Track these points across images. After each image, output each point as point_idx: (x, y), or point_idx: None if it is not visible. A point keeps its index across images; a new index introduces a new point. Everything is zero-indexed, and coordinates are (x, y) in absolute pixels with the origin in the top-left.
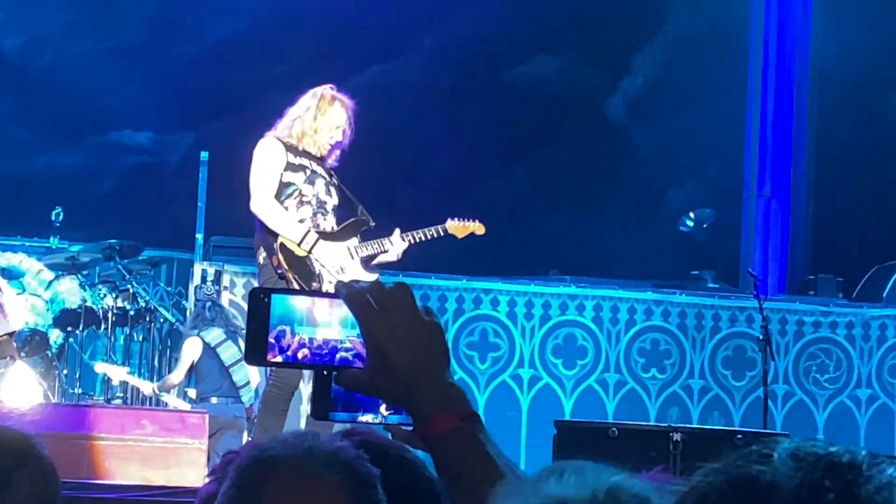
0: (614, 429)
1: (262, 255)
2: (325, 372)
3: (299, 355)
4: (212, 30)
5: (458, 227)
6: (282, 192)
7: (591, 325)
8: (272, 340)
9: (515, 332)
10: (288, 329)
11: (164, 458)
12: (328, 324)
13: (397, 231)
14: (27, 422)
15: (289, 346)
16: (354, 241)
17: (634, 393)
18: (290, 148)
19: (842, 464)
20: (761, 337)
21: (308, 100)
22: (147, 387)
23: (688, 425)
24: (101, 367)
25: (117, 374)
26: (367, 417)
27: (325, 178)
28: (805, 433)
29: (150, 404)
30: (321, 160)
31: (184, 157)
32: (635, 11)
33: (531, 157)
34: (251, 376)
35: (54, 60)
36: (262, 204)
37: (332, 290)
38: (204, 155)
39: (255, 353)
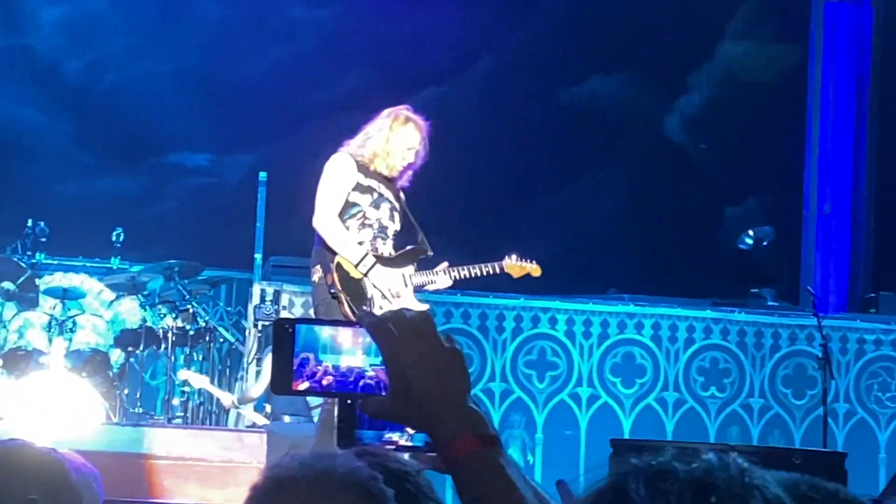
0: (672, 448)
1: (317, 274)
2: (349, 401)
3: (324, 382)
4: (269, 51)
5: (515, 267)
6: (346, 211)
7: (649, 343)
8: (297, 368)
9: (574, 350)
10: (312, 356)
11: (223, 478)
12: (352, 352)
13: (444, 265)
14: (89, 440)
15: (314, 374)
16: (410, 268)
17: (694, 412)
18: (362, 167)
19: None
20: (821, 355)
21: (382, 120)
22: (227, 398)
23: (747, 444)
24: (184, 374)
25: (199, 381)
26: (394, 436)
27: (391, 202)
28: (866, 452)
29: (212, 423)
30: (391, 181)
31: (243, 177)
32: (691, 30)
33: (588, 176)
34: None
35: (115, 83)
36: (325, 220)
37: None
38: (262, 175)
39: (281, 381)
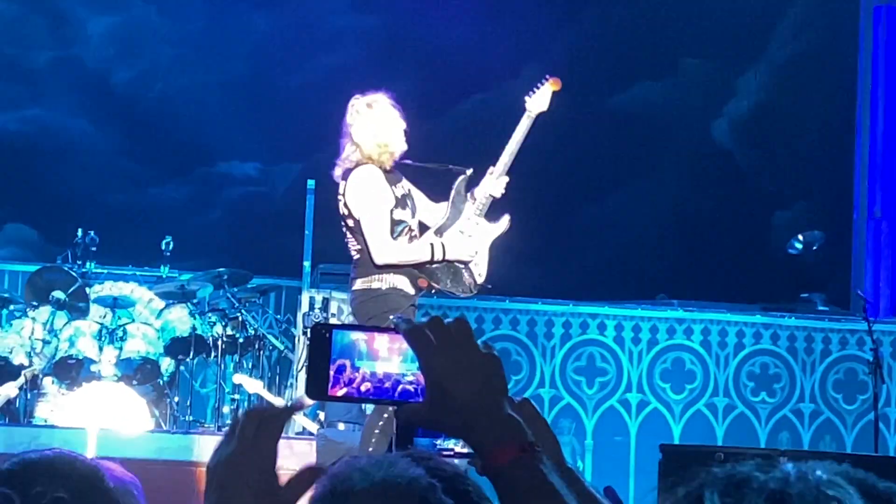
0: (721, 453)
1: (381, 284)
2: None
3: (362, 388)
4: (317, 60)
5: (537, 100)
6: (393, 230)
7: (699, 348)
8: (333, 374)
9: (623, 356)
10: (348, 363)
11: None
12: (388, 358)
13: (490, 170)
14: (139, 447)
15: (351, 381)
16: (469, 207)
17: (744, 417)
18: (386, 176)
19: None
20: (872, 360)
21: (356, 117)
22: (280, 403)
23: (798, 450)
24: (238, 378)
25: (253, 386)
26: (449, 443)
27: (412, 195)
28: None
29: None
30: (399, 170)
31: (291, 186)
32: (738, 34)
33: (636, 182)
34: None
35: (163, 93)
36: (387, 256)
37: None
38: (310, 183)
39: (316, 387)
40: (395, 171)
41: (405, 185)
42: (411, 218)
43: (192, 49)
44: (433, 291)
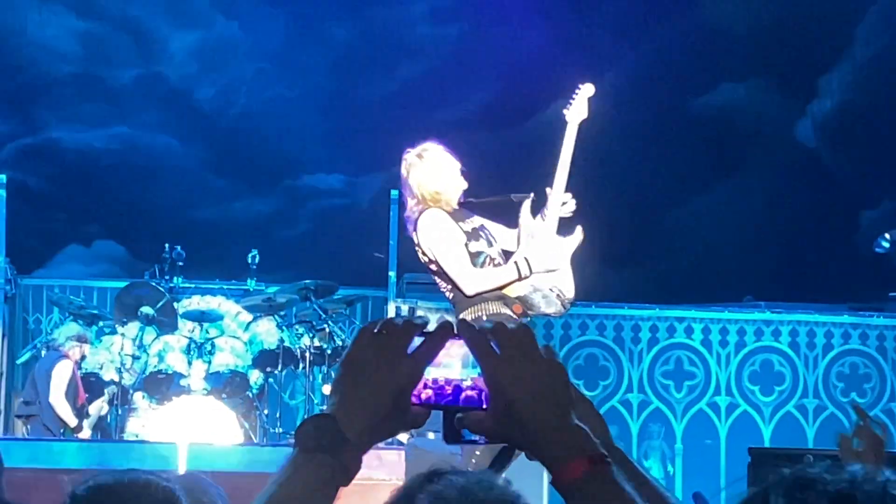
0: (810, 455)
1: (485, 313)
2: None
3: (423, 396)
4: (397, 71)
5: (576, 108)
6: (473, 262)
7: (787, 350)
8: None
9: (711, 359)
10: None
11: (363, 496)
12: (449, 364)
13: (548, 190)
14: (230, 460)
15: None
16: (541, 226)
17: (834, 418)
18: (452, 215)
19: None
20: None
21: (410, 169)
22: None
23: (891, 451)
24: (327, 389)
25: None
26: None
27: (486, 228)
28: None
29: None
30: (466, 208)
31: (374, 196)
32: (821, 34)
33: (721, 185)
34: None
35: (247, 108)
36: (476, 284)
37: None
38: (394, 193)
39: None
40: (461, 210)
41: (475, 220)
42: (489, 248)
43: (273, 63)
44: (528, 318)
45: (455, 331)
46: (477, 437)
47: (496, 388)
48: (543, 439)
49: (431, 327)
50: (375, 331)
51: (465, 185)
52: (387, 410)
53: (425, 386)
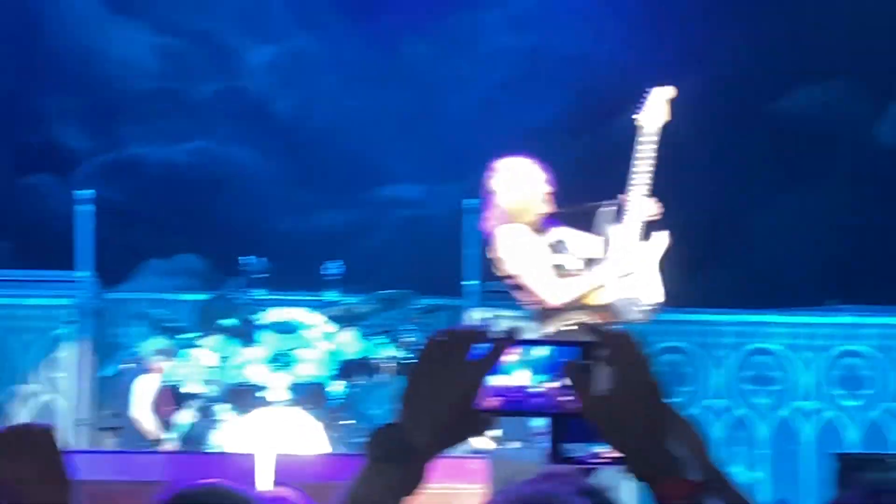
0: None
1: (570, 325)
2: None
3: (489, 403)
4: (475, 80)
5: (648, 113)
6: (555, 274)
7: (873, 353)
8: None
9: (795, 364)
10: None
11: None
12: (510, 369)
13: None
14: (314, 471)
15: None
16: (623, 231)
17: None
18: (531, 228)
19: None
20: None
21: (499, 183)
22: None
23: None
24: None
25: None
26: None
27: (566, 243)
28: None
29: None
30: (549, 219)
31: (454, 206)
32: None
33: (802, 186)
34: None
35: (326, 120)
36: (561, 294)
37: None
38: (471, 203)
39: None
40: (542, 222)
41: (554, 234)
42: (570, 260)
43: (351, 75)
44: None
45: (516, 338)
46: (585, 456)
47: (588, 404)
48: (637, 455)
49: (495, 335)
50: (438, 339)
51: (549, 199)
52: (451, 419)
53: (491, 393)
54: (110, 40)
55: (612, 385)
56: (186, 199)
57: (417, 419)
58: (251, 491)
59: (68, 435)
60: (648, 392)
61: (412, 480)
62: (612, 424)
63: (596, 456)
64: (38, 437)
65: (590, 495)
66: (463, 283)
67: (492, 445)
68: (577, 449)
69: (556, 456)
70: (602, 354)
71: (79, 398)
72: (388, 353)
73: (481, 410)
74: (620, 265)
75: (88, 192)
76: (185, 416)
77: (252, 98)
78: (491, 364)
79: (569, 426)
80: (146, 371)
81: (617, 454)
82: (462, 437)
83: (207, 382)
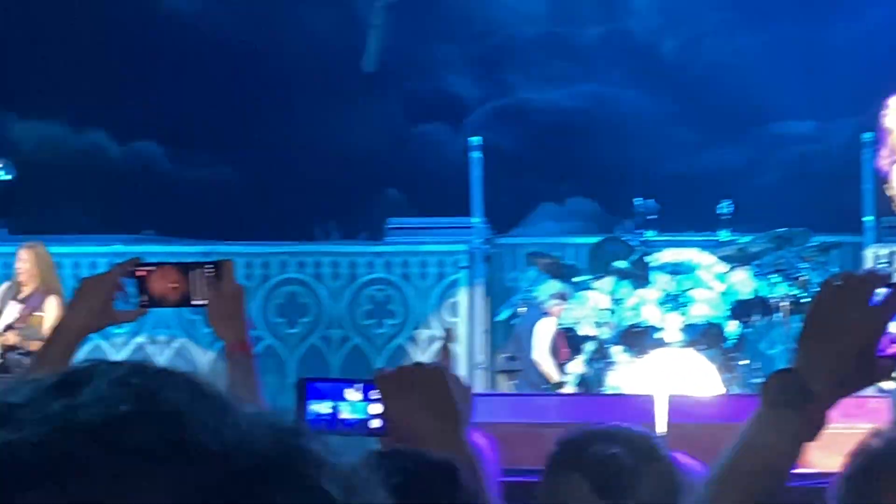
0: None
1: None
2: None
3: (891, 350)
4: (866, 14)
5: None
6: None
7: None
8: None
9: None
10: None
11: (844, 445)
12: None
13: None
14: (710, 412)
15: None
16: None
17: None
18: None
19: None
20: None
21: (890, 119)
22: None
23: None
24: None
25: None
26: None
27: None
28: None
29: None
30: None
31: (847, 141)
32: None
33: None
34: None
35: (712, 58)
36: None
37: None
38: (867, 136)
39: None
40: None
41: None
42: None
43: (736, 12)
44: None
45: None
46: None
47: None
48: None
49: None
50: (837, 284)
51: None
52: (852, 365)
53: (893, 340)
54: None
55: None
56: (575, 143)
57: (816, 365)
58: (653, 434)
59: (464, 378)
60: None
61: (812, 426)
62: None
63: None
64: (429, 376)
65: None
66: (863, 219)
67: (893, 385)
68: None
69: None
70: None
71: (473, 342)
72: (782, 291)
73: (884, 357)
74: None
75: (478, 139)
76: (581, 359)
77: (638, 39)
78: (893, 310)
79: None
80: (543, 314)
81: None
82: (863, 385)
83: (602, 325)
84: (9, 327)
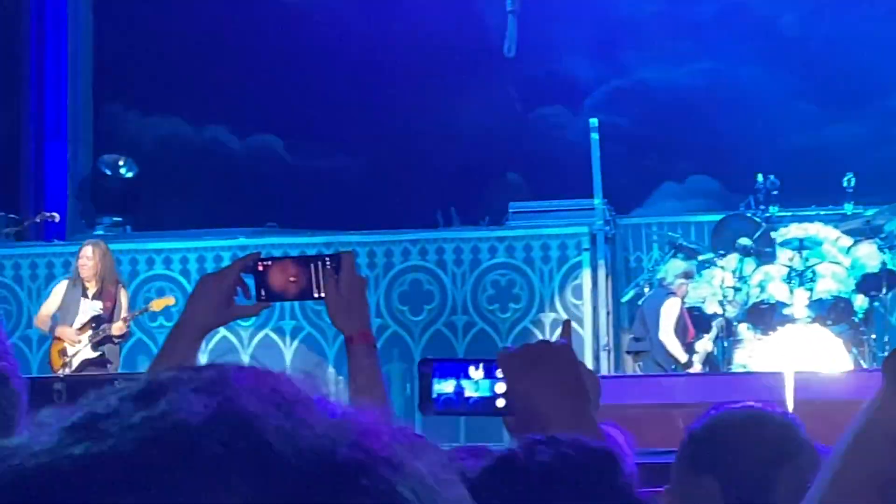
0: None
1: None
2: None
3: None
4: None
5: None
6: None
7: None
8: None
9: None
10: None
11: None
12: None
13: None
14: (838, 388)
15: None
16: None
17: None
18: None
19: None
20: None
21: None
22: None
23: None
24: None
25: None
26: None
27: None
28: None
29: None
30: None
31: None
32: None
33: None
34: None
35: (832, 31)
36: None
37: None
38: None
39: None
40: None
41: None
42: None
43: None
44: None
45: None
46: None
47: None
48: None
49: None
50: None
51: None
52: None
53: None
54: None
55: None
56: (694, 121)
57: None
58: (788, 413)
59: (590, 360)
60: None
61: None
62: None
63: None
64: (556, 353)
65: None
66: None
67: None
68: None
69: None
70: None
71: (597, 324)
72: None
73: None
74: None
75: (596, 121)
76: (708, 338)
77: (755, 14)
78: None
79: None
80: (669, 294)
81: None
82: None
83: (727, 302)
84: (95, 320)
